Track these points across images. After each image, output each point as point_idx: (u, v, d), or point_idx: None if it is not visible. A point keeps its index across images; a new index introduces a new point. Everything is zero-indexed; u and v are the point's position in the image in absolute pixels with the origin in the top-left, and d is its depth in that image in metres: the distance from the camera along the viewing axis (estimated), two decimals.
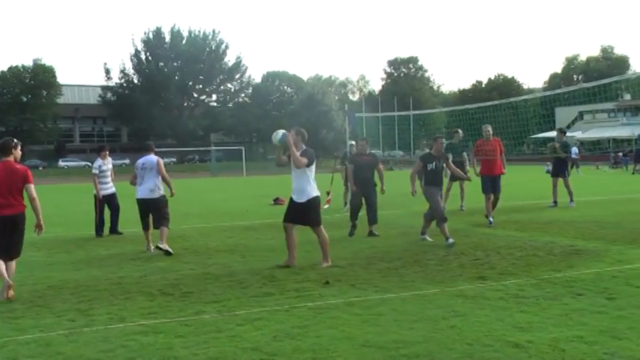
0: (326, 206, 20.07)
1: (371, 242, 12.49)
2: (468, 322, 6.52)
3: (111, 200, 14.60)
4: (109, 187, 14.64)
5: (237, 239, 13.51)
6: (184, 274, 9.62)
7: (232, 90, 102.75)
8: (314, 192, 9.93)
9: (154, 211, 11.82)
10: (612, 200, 20.69)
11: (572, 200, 18.77)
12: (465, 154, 19.63)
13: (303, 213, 9.93)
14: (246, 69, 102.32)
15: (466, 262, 10.00)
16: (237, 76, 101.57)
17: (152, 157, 12.02)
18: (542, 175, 44.07)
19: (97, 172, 14.52)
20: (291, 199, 10.12)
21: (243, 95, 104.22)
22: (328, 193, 20.56)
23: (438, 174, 12.17)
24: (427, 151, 14.49)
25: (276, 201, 22.76)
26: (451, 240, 11.57)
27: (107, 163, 14.73)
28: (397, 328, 6.34)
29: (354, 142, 20.23)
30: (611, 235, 12.41)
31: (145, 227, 12.04)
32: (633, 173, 42.04)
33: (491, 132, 15.74)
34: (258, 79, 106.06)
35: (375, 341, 5.92)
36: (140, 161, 12.06)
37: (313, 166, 9.99)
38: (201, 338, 6.18)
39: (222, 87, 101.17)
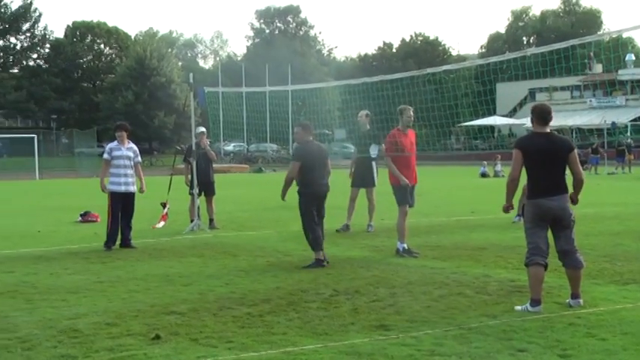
0: (161, 224, 19.95)
1: (225, 278, 12.51)
2: None
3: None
4: None
5: (21, 275, 13.21)
6: None
7: (18, 47, 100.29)
8: None
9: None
10: (579, 216, 21.46)
11: (520, 215, 19.36)
12: (376, 148, 19.11)
13: None
14: (40, 16, 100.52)
15: (362, 305, 10.19)
16: (25, 27, 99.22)
17: None
18: (475, 180, 45.53)
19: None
20: None
21: (35, 57, 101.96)
22: (164, 206, 20.41)
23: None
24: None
25: (85, 217, 22.37)
26: (537, 307, 9.86)
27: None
28: None
29: (202, 129, 20.28)
30: None
31: None
32: None
33: (412, 118, 15.60)
34: (59, 33, 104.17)
35: None
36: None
37: None
38: None
39: (1, 42, 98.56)
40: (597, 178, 46.64)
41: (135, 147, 17.16)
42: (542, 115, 10.02)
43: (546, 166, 9.82)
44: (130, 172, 16.67)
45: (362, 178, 18.95)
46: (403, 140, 15.02)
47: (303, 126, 14.34)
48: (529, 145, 9.90)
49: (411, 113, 15.33)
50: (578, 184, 10.10)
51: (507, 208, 10.30)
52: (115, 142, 16.85)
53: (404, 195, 14.84)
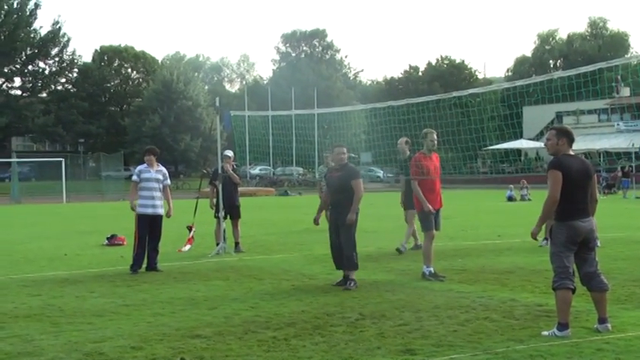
0: (186, 248, 19.95)
1: (250, 301, 12.49)
2: None
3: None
4: None
5: (47, 298, 13.23)
6: None
7: (47, 72, 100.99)
8: None
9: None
10: (607, 240, 21.17)
11: (547, 239, 19.23)
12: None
13: None
14: (68, 41, 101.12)
15: (388, 329, 10.15)
16: (54, 52, 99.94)
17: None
18: (502, 204, 45.36)
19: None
20: None
21: (64, 81, 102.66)
22: (190, 229, 20.44)
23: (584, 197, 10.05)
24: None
25: (112, 240, 22.43)
26: (565, 331, 9.77)
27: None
28: None
29: (230, 154, 20.26)
30: None
31: None
32: None
33: (436, 142, 15.59)
34: (87, 58, 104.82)
35: None
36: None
37: None
38: None
39: (30, 67, 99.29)
40: (626, 202, 46.36)
41: (164, 170, 17.21)
42: (571, 137, 9.99)
43: (581, 187, 9.76)
44: (158, 194, 16.73)
45: (405, 200, 18.88)
46: (427, 164, 15.06)
47: (346, 148, 14.45)
48: (569, 167, 9.75)
49: (435, 137, 15.34)
50: (595, 204, 10.14)
51: (537, 234, 10.10)
52: (145, 165, 16.93)
53: (429, 221, 14.87)
